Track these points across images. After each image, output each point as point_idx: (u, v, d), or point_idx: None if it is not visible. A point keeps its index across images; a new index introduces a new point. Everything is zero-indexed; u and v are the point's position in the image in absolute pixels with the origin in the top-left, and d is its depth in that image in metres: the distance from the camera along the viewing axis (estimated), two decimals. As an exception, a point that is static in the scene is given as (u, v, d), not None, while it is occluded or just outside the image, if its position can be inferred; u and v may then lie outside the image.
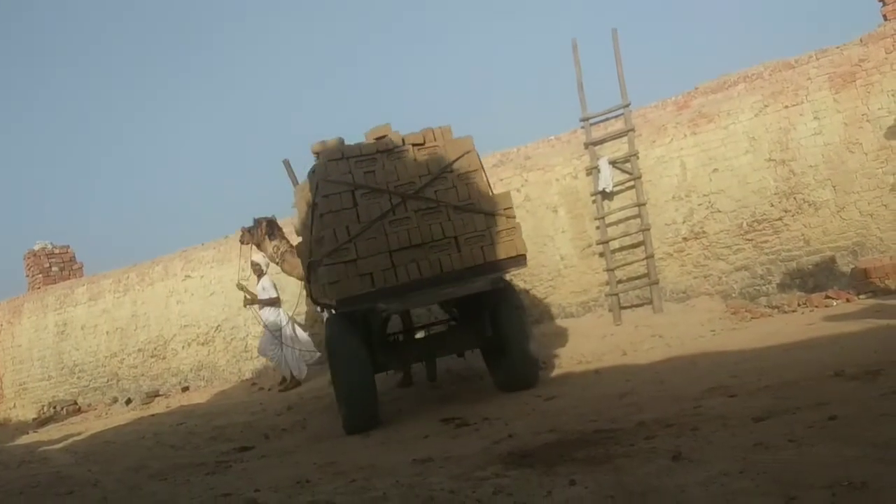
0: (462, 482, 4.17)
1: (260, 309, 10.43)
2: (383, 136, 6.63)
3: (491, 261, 6.50)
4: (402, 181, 6.48)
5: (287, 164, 8.53)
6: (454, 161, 6.62)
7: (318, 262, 6.36)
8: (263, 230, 10.10)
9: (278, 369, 10.71)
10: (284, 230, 10.18)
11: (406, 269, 6.29)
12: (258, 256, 10.54)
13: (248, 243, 10.44)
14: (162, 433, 8.69)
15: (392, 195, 6.41)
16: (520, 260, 6.66)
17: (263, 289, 10.47)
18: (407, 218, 6.40)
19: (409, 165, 6.56)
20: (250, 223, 10.26)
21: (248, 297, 10.43)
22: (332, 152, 6.44)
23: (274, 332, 10.36)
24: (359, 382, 6.42)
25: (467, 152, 6.69)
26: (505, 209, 6.62)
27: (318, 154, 6.66)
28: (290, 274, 10.09)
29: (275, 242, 10.02)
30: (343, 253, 6.16)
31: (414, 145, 6.63)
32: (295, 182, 8.44)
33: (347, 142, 6.88)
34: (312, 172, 6.41)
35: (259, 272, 10.56)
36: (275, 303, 10.51)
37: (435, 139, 6.69)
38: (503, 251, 6.54)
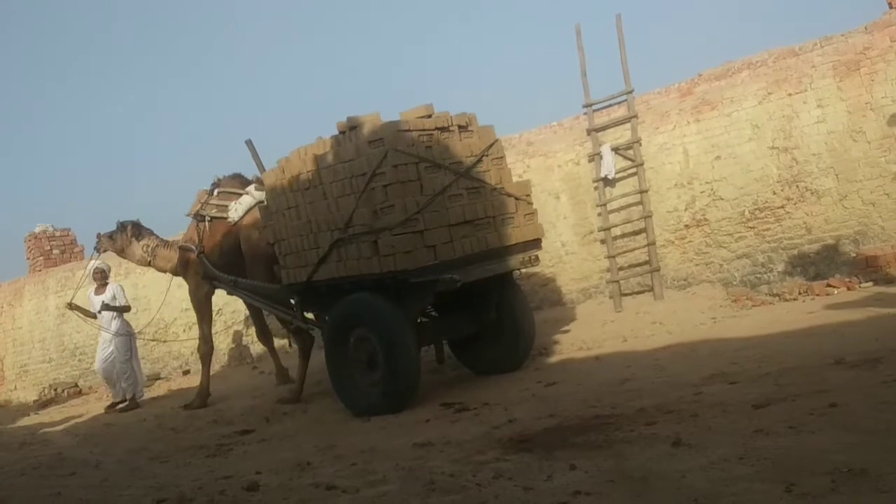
0: (462, 466, 4.19)
1: (115, 318, 10.03)
2: (427, 116, 6.62)
3: (520, 241, 6.90)
4: (453, 160, 6.61)
5: (250, 144, 8.13)
6: (490, 146, 6.92)
7: (378, 231, 6.27)
8: (129, 233, 9.75)
9: (117, 385, 10.07)
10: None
11: (461, 244, 6.43)
12: (101, 263, 10.26)
13: (107, 250, 10.07)
14: (163, 416, 8.73)
15: (448, 171, 6.52)
16: (538, 243, 7.12)
17: (115, 297, 10.08)
18: (460, 195, 6.56)
19: (458, 146, 6.71)
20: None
21: (86, 316, 10.18)
22: (401, 123, 6.41)
23: (124, 346, 9.99)
24: (413, 360, 6.46)
25: (496, 140, 7.03)
26: (526, 195, 7.09)
27: (349, 129, 6.53)
28: (163, 269, 9.75)
29: (143, 241, 9.70)
30: (413, 223, 6.18)
31: (459, 127, 6.78)
32: (260, 164, 8.11)
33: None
34: (377, 141, 6.29)
35: (104, 279, 10.25)
36: (127, 310, 10.24)
37: (470, 124, 6.92)
38: (528, 233, 7.01)
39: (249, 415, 7.74)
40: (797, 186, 8.30)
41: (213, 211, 8.77)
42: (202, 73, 41.31)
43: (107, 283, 10.26)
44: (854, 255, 7.94)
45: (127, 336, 10.08)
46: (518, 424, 5.02)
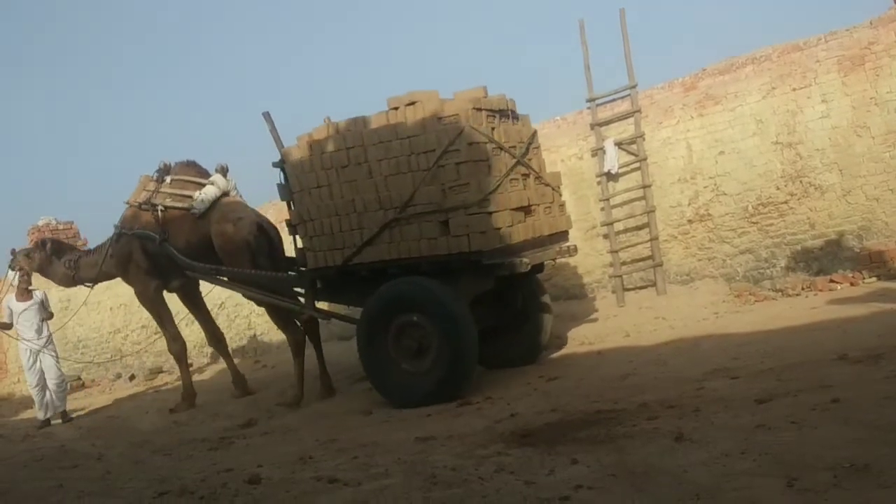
0: (464, 460, 4.19)
1: (43, 325, 9.42)
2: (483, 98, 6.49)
3: (557, 231, 6.95)
4: (510, 144, 6.48)
5: (267, 116, 7.50)
6: (534, 134, 6.91)
7: (448, 210, 6.08)
8: (48, 251, 9.21)
9: (46, 398, 9.39)
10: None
11: (519, 229, 6.30)
12: (25, 263, 9.42)
13: (22, 269, 9.31)
14: (165, 409, 8.74)
15: (508, 155, 6.38)
16: (567, 235, 7.20)
17: (42, 303, 9.50)
18: (517, 179, 6.46)
19: (512, 130, 6.62)
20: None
21: (2, 328, 9.67)
22: (475, 101, 6.21)
23: (53, 356, 9.47)
24: (476, 346, 6.25)
25: (535, 129, 7.04)
26: (559, 186, 7.17)
27: (406, 105, 6.28)
28: (91, 279, 9.06)
29: (66, 257, 9.18)
30: (485, 204, 6.00)
31: (511, 112, 6.71)
32: (277, 138, 7.45)
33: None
34: (450, 117, 6.08)
35: (29, 283, 9.44)
36: (51, 318, 9.69)
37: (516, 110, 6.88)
38: (563, 224, 7.10)
39: (251, 408, 7.75)
40: (801, 182, 8.28)
41: (168, 200, 8.13)
42: (203, 71, 41.31)
43: (31, 290, 9.57)
44: (858, 250, 7.93)
45: (53, 345, 9.64)
46: (520, 419, 5.03)
